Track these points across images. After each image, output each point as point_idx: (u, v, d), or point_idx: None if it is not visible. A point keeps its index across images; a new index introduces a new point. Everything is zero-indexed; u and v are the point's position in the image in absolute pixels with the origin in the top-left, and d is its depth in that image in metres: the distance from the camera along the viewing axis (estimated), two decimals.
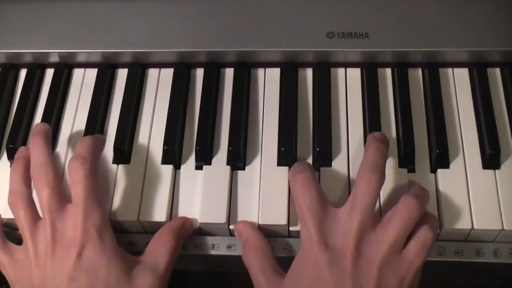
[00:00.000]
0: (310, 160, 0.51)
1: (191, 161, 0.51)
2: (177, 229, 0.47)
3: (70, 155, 0.53)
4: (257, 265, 0.45)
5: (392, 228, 0.42)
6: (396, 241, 0.42)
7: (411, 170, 0.50)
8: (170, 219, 0.49)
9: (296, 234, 0.49)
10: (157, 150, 0.52)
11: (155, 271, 0.45)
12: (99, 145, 0.50)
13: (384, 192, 0.48)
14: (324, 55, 0.54)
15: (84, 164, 0.46)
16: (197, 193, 0.50)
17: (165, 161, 0.51)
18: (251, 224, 0.48)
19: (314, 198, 0.44)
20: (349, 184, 0.49)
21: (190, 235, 0.49)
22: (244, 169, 0.51)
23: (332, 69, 0.55)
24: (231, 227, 0.48)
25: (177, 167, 0.51)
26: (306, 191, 0.45)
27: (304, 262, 0.44)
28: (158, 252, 0.46)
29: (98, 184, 0.47)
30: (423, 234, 0.43)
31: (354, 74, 0.55)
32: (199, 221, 0.48)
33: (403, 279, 0.42)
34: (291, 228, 0.48)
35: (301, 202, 0.44)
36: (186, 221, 0.48)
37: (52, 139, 0.53)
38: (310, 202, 0.44)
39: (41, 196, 0.45)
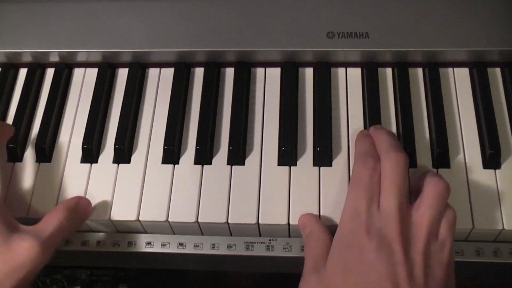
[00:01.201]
0: (310, 160, 0.51)
1: (192, 161, 0.51)
2: (72, 206, 0.48)
3: (70, 154, 0.53)
4: (316, 255, 0.45)
5: (427, 212, 0.42)
6: (433, 224, 0.42)
7: None
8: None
9: (296, 234, 0.49)
10: (157, 149, 0.52)
11: (37, 235, 0.44)
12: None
13: None
14: (324, 54, 0.54)
15: None
16: (197, 193, 0.49)
17: (165, 160, 0.51)
18: (315, 216, 0.47)
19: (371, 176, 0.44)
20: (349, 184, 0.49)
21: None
22: (244, 169, 0.51)
23: (332, 69, 0.55)
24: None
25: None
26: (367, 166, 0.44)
27: (347, 246, 0.42)
28: (47, 222, 0.46)
29: None
30: (446, 213, 0.43)
31: (355, 74, 0.55)
32: (199, 220, 0.48)
33: (443, 263, 0.41)
34: (291, 227, 0.48)
35: (362, 174, 0.44)
36: (81, 199, 0.49)
37: (52, 139, 0.53)
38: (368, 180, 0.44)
39: None
